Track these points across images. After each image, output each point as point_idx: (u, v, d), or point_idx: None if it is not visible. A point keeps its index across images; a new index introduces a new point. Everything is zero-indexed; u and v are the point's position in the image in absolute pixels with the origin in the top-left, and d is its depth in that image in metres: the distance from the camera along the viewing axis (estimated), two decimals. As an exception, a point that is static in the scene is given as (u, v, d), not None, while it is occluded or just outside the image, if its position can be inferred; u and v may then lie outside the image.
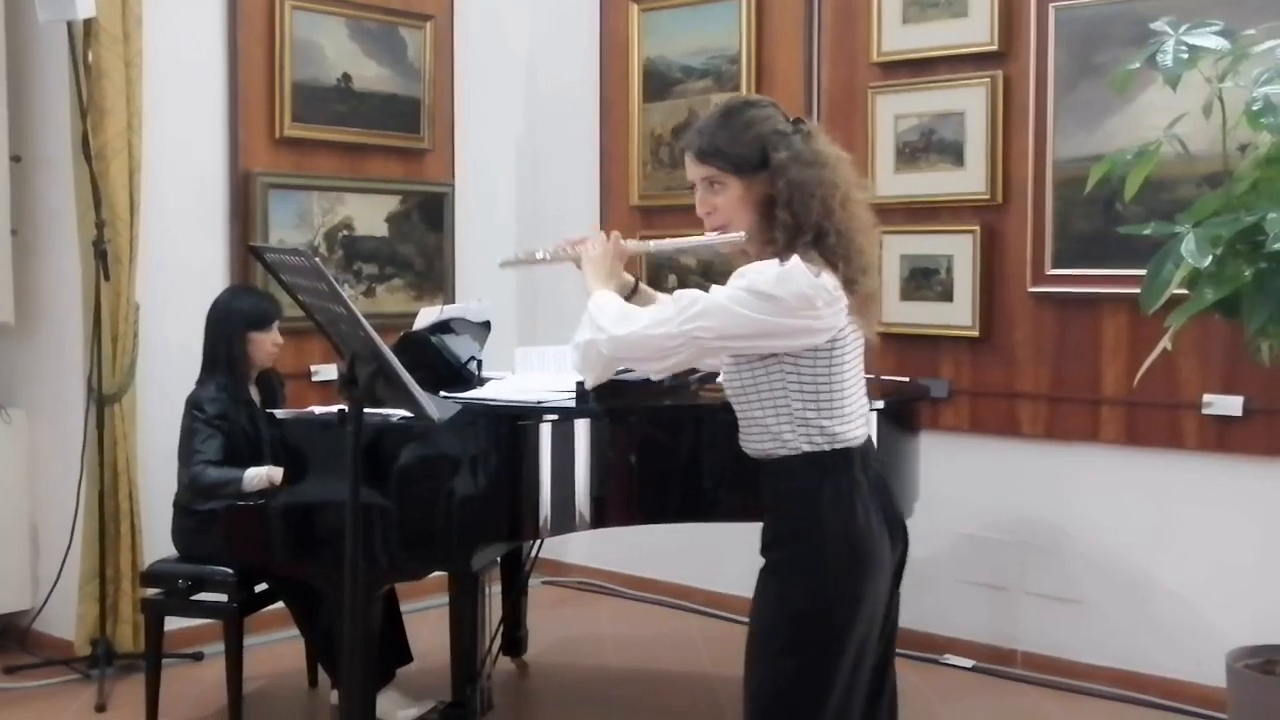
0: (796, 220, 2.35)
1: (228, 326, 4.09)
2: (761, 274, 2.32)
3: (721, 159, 2.44)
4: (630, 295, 2.72)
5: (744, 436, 2.47)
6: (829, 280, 2.33)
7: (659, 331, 2.37)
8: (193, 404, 4.02)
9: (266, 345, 4.14)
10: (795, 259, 2.32)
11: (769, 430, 2.40)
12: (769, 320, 2.30)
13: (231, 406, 4.03)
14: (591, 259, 2.60)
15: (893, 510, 2.46)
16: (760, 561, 2.42)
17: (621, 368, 2.51)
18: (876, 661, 2.45)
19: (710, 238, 2.51)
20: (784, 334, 2.32)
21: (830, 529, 2.34)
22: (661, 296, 2.71)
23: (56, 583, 4.61)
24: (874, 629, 2.41)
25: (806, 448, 2.38)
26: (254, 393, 4.17)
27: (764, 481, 2.45)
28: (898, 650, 2.48)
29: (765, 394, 2.39)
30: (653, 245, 2.84)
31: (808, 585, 2.34)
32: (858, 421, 2.43)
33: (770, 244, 2.39)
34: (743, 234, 2.45)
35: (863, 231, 2.41)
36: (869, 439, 2.47)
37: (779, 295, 2.29)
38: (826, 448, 2.37)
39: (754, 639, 2.41)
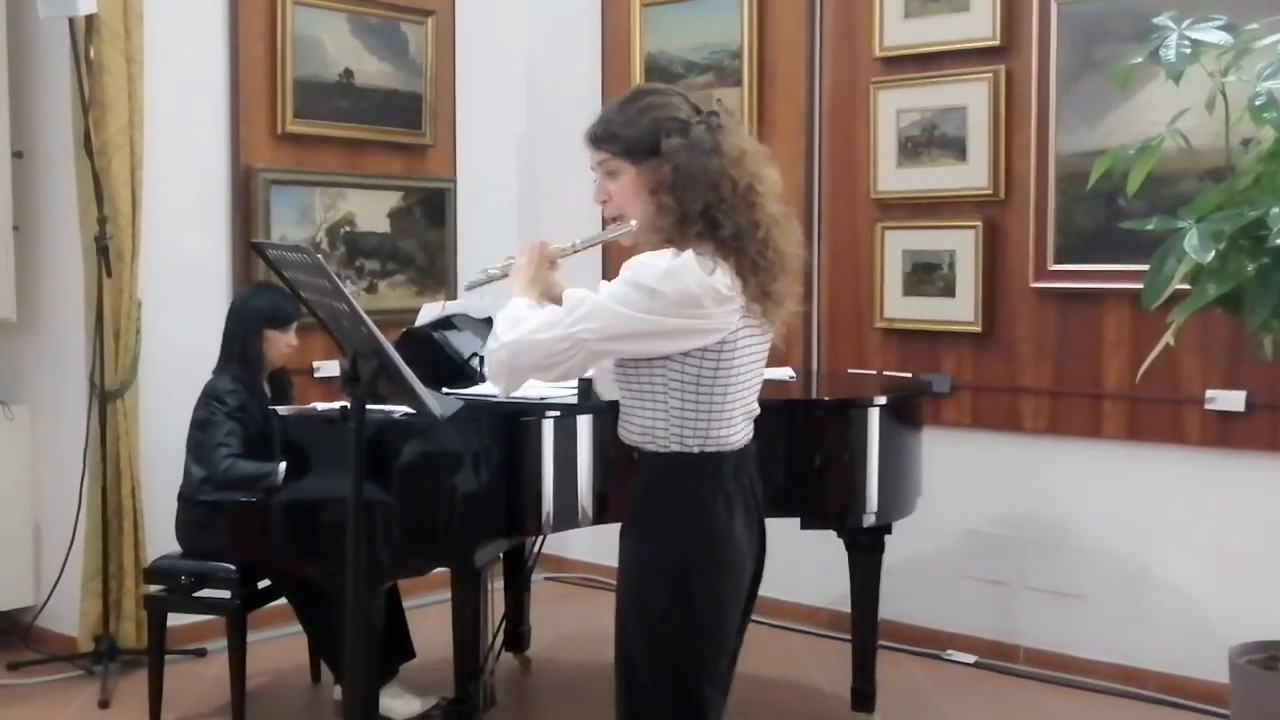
0: (681, 207, 2.25)
1: (244, 322, 4.11)
2: (647, 266, 2.21)
3: (614, 143, 2.33)
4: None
5: (620, 422, 2.38)
6: (721, 279, 2.21)
7: (545, 336, 2.24)
8: (212, 394, 4.01)
9: (281, 345, 4.14)
10: (689, 254, 2.21)
11: (643, 423, 2.31)
12: (652, 319, 2.19)
13: (249, 399, 4.04)
14: (518, 268, 2.45)
15: (758, 518, 2.38)
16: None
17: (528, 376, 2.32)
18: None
19: (609, 231, 2.39)
20: (669, 335, 2.21)
21: (691, 534, 2.28)
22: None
23: (59, 579, 4.62)
24: (729, 638, 2.35)
25: (675, 447, 2.29)
26: (266, 390, 4.17)
27: (633, 471, 2.36)
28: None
29: (645, 386, 2.30)
30: (568, 244, 2.52)
31: (667, 591, 2.31)
32: (739, 425, 2.33)
33: (659, 232, 2.29)
34: (633, 224, 2.34)
35: (770, 227, 2.28)
36: (749, 444, 2.37)
37: (663, 290, 2.18)
38: (696, 450, 2.28)
39: (619, 642, 2.40)
